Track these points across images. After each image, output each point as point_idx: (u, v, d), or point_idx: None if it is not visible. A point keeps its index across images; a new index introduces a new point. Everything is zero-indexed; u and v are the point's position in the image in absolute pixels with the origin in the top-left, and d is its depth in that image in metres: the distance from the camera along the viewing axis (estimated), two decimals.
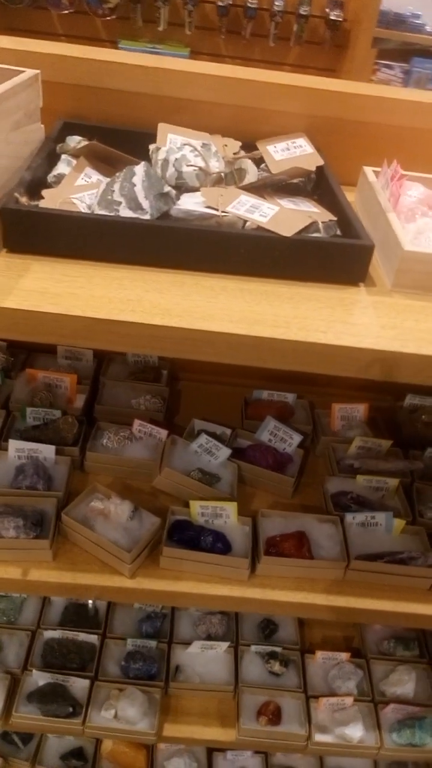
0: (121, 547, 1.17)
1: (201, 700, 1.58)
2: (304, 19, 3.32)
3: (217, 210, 0.95)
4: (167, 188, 0.95)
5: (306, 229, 0.95)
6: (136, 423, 1.38)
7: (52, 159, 1.08)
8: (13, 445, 1.28)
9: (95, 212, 0.93)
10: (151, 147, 1.08)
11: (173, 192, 0.95)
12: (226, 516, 1.25)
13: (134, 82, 1.22)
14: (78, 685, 1.54)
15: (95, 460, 1.34)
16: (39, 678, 1.53)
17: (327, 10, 3.31)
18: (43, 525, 1.20)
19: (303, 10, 3.29)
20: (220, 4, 3.25)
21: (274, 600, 1.19)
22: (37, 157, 1.03)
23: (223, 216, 0.95)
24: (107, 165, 1.08)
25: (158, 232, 0.90)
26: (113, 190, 0.95)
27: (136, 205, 0.93)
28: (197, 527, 1.23)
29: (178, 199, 0.97)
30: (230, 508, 1.24)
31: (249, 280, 0.93)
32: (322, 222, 0.98)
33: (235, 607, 1.33)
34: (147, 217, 0.92)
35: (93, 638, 1.60)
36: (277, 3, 3.26)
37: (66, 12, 3.27)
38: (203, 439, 1.34)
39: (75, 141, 1.10)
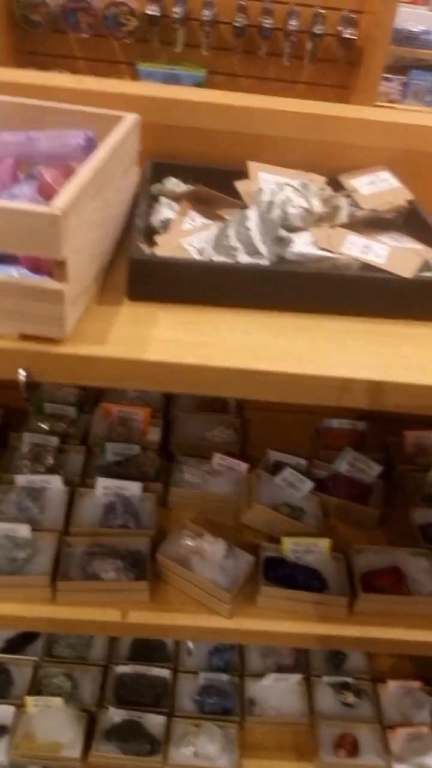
0: (219, 586, 1.16)
1: (276, 733, 1.57)
2: (318, 37, 3.35)
3: (331, 252, 0.95)
4: (282, 232, 0.94)
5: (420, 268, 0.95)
6: (216, 456, 1.37)
7: (151, 202, 1.07)
8: (101, 482, 1.27)
9: (212, 258, 0.93)
10: (251, 187, 1.08)
11: (288, 236, 0.95)
12: (318, 552, 1.24)
13: (218, 121, 1.21)
14: (153, 721, 1.52)
15: (180, 496, 1.33)
16: (114, 715, 1.51)
17: (340, 28, 3.34)
18: (138, 565, 1.19)
19: (317, 29, 3.32)
20: (236, 24, 3.27)
21: (373, 637, 1.19)
22: (141, 203, 1.02)
23: (338, 257, 0.95)
24: (205, 206, 1.08)
25: (282, 277, 0.90)
26: (228, 235, 0.95)
27: (253, 250, 0.93)
28: (292, 564, 1.22)
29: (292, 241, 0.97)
30: (323, 545, 1.24)
31: (367, 321, 0.93)
32: None
33: (333, 645, 1.33)
34: (265, 261, 0.92)
35: (165, 672, 1.58)
36: (291, 22, 3.29)
37: (85, 35, 3.28)
38: (287, 472, 1.33)
39: (172, 183, 1.10)
